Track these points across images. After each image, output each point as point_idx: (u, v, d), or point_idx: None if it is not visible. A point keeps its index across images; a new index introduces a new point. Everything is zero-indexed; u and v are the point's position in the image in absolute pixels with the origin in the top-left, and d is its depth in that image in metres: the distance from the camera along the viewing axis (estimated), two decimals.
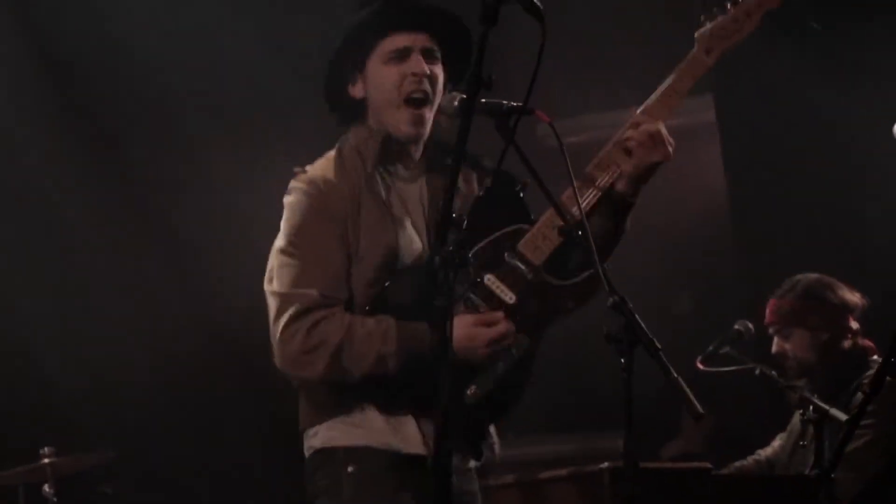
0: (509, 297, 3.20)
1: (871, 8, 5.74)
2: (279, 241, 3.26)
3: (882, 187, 5.65)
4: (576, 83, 6.43)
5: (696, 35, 3.34)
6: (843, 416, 4.13)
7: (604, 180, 3.25)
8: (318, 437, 3.25)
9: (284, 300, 3.18)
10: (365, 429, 3.20)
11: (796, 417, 4.61)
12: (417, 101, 3.24)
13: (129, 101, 6.25)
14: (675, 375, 2.60)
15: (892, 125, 3.32)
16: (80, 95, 6.23)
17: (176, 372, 6.20)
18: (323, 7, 5.45)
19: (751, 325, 4.61)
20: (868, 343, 4.60)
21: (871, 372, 4.39)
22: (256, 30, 6.09)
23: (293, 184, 3.29)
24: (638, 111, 3.28)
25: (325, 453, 3.24)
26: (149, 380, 6.17)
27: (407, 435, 3.19)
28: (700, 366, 4.56)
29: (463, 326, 3.04)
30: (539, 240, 3.21)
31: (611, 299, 2.66)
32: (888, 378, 3.09)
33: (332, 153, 3.34)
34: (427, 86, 3.25)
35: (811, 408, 4.28)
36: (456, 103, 3.03)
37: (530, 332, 3.24)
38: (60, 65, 6.16)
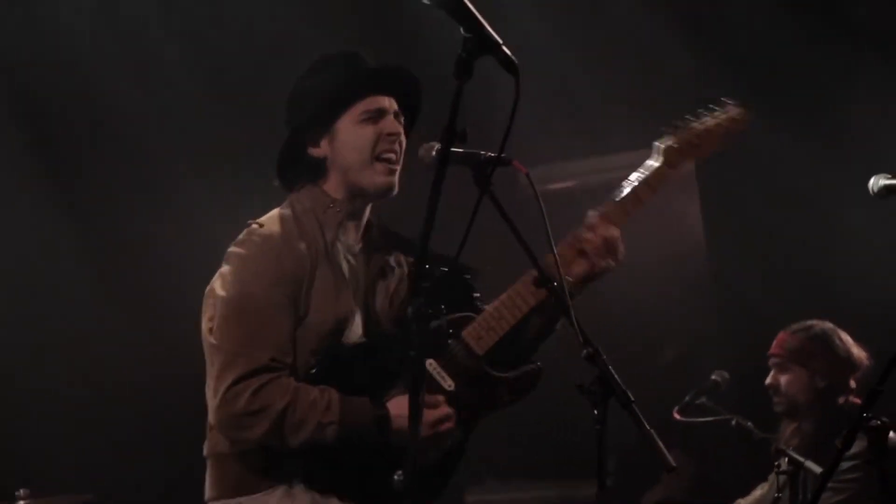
0: (448, 383, 3.20)
1: (845, 68, 5.82)
2: (225, 291, 3.15)
3: (857, 241, 5.68)
4: (560, 129, 6.45)
5: (657, 145, 3.34)
6: (817, 469, 4.13)
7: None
8: None
9: (231, 358, 3.10)
10: None
11: None
12: (390, 161, 3.25)
13: (93, 132, 6.30)
14: (648, 428, 2.59)
15: (868, 181, 3.34)
16: (48, 129, 6.26)
17: (154, 413, 6.15)
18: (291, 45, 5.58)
19: (727, 375, 4.61)
20: (859, 402, 4.55)
21: None
22: (223, 61, 6.17)
23: (248, 237, 3.22)
24: (596, 214, 3.26)
25: None
26: (126, 420, 6.13)
27: None
28: (677, 416, 4.55)
29: (404, 406, 2.87)
30: (483, 330, 3.22)
31: (584, 350, 2.63)
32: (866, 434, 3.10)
33: (280, 211, 3.28)
34: (398, 147, 3.27)
35: (786, 459, 4.28)
36: (433, 153, 3.01)
37: (464, 422, 3.23)
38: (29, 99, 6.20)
